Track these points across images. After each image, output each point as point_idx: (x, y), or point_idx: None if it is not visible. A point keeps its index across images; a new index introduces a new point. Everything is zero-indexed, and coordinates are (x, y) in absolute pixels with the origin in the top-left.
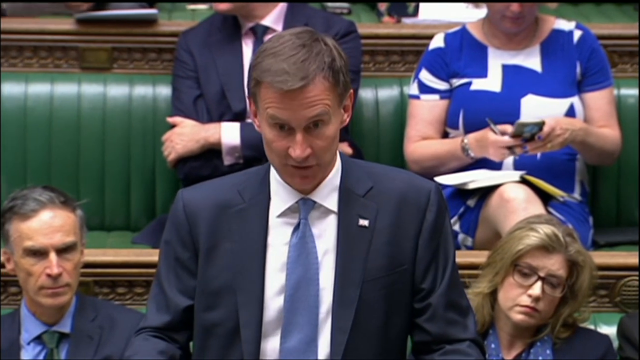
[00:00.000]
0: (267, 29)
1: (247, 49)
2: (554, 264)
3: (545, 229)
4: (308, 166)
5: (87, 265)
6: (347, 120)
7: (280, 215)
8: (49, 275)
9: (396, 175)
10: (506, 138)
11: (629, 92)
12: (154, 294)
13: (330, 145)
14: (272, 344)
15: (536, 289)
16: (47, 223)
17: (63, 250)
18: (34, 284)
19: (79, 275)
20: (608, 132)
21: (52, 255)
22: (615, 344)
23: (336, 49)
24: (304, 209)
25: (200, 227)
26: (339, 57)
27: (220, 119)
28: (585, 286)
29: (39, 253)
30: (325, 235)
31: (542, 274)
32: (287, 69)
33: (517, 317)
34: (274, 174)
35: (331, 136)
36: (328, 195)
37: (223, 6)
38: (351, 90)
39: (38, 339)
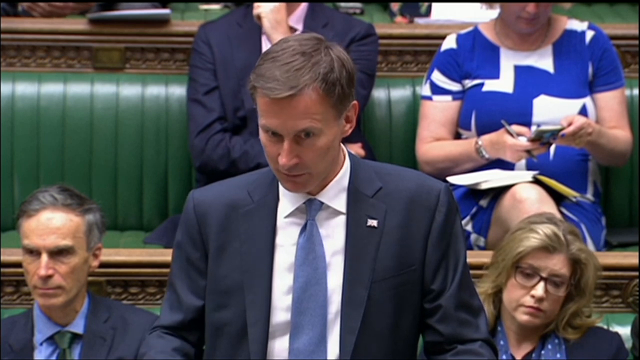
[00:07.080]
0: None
1: (267, 45)
2: (556, 264)
3: (545, 230)
4: (298, 174)
5: (100, 265)
6: (349, 131)
7: (288, 216)
8: (39, 276)
9: (406, 175)
10: (524, 142)
11: None
12: (168, 295)
13: (322, 156)
14: (281, 344)
15: (539, 289)
16: (44, 224)
17: (57, 253)
18: (30, 282)
19: (83, 279)
20: (619, 133)
21: (43, 257)
22: (628, 344)
23: (339, 61)
24: (311, 210)
25: (210, 226)
26: (340, 68)
27: (234, 113)
28: (591, 282)
29: (35, 252)
30: (333, 235)
31: (544, 275)
32: (279, 76)
33: (522, 317)
34: None
35: (323, 147)
36: (336, 196)
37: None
38: (354, 102)
39: (51, 340)
